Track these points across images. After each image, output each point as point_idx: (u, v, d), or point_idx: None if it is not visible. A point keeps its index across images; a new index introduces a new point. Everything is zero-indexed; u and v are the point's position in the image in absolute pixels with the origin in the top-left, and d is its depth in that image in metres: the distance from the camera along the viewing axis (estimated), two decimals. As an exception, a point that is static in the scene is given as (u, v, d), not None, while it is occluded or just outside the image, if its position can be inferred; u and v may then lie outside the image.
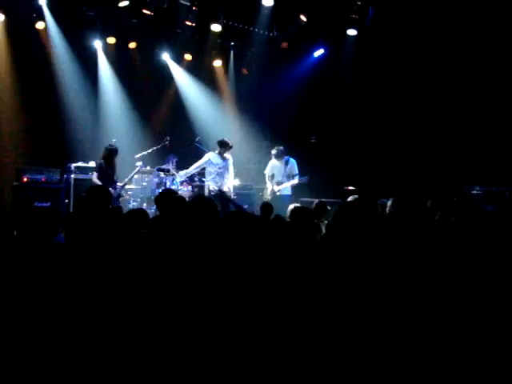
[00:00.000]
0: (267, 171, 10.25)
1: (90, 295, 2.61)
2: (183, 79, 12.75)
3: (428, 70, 10.82)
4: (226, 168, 9.75)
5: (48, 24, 10.54)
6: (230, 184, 9.87)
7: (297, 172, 10.02)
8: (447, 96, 10.83)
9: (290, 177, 9.97)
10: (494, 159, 10.17)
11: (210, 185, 9.69)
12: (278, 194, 9.92)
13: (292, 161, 10.10)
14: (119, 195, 9.25)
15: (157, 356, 2.23)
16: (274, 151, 10.09)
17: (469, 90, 10.57)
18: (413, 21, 10.20)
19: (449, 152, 10.89)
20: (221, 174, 9.69)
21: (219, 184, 9.63)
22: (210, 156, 9.75)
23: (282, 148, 10.08)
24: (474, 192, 9.70)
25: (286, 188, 9.98)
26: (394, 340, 2.49)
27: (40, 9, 10.34)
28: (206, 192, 9.76)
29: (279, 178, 10.00)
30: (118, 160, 9.23)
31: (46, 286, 2.62)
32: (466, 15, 9.74)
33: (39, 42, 10.69)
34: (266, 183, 10.31)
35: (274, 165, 10.16)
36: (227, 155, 9.81)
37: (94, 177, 8.83)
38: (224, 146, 9.68)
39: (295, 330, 2.48)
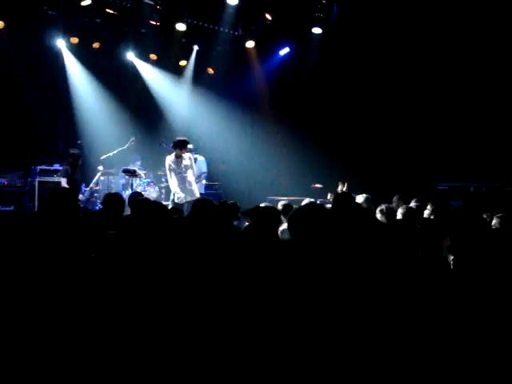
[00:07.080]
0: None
1: (56, 296, 2.55)
2: (148, 79, 12.59)
3: (393, 67, 10.94)
4: None
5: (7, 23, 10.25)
6: None
7: (204, 170, 9.83)
8: (410, 91, 10.97)
9: (198, 176, 9.30)
10: (460, 155, 10.34)
11: None
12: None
13: (200, 159, 9.83)
14: (88, 199, 9.21)
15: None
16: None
17: (431, 85, 10.73)
18: (376, 18, 10.32)
19: (414, 149, 11.03)
20: None
21: None
22: None
23: (190, 147, 9.04)
24: (440, 188, 9.82)
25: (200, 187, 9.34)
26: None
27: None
28: None
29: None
30: (83, 163, 9.19)
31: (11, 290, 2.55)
32: (426, 10, 9.89)
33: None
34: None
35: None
36: None
37: (63, 183, 8.71)
38: None
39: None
